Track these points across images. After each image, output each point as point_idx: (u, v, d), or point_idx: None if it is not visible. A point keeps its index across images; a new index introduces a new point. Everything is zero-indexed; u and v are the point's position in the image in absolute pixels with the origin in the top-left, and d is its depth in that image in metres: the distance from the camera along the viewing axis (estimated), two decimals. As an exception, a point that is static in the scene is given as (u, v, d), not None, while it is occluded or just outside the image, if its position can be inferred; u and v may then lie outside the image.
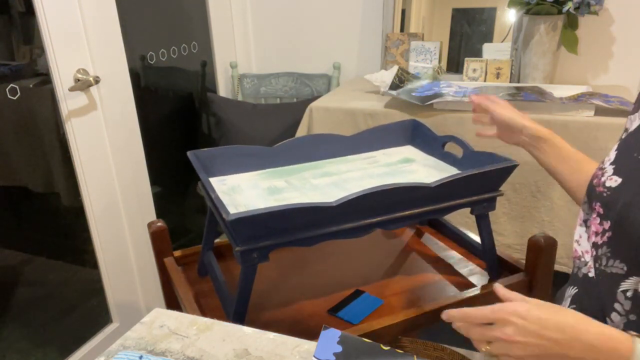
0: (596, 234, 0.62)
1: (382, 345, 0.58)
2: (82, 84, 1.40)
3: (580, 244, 0.67)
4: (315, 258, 1.13)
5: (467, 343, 0.61)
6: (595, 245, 0.62)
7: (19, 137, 1.41)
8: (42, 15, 1.30)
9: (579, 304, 0.66)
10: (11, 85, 1.31)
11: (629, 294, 0.57)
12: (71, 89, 1.39)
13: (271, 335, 0.65)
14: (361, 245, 1.19)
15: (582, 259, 0.66)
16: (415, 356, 0.57)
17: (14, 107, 1.34)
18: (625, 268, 0.57)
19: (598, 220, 0.62)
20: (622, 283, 0.58)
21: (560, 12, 1.59)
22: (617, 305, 0.59)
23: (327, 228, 0.83)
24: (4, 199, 1.44)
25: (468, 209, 0.95)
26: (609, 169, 0.64)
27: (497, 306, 0.56)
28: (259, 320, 0.93)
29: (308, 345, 0.64)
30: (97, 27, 1.44)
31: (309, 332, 0.88)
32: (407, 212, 0.88)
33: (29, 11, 1.31)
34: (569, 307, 0.68)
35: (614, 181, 0.62)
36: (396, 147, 1.16)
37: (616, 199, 0.60)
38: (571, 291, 0.69)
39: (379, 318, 0.89)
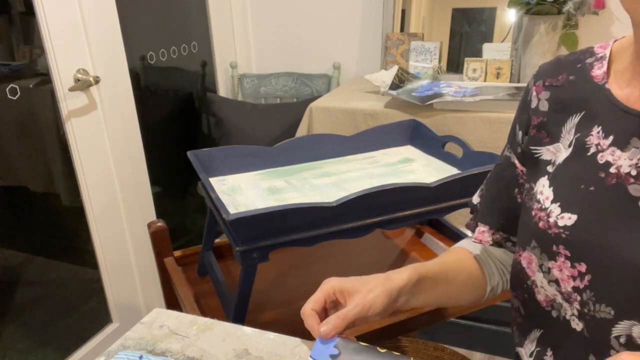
0: (573, 278, 0.57)
1: (378, 348, 0.58)
2: (82, 84, 1.40)
3: (545, 289, 0.62)
4: (315, 258, 1.13)
5: (467, 343, 0.60)
6: (577, 290, 0.57)
7: (19, 137, 1.41)
8: (42, 15, 1.30)
9: (555, 350, 0.62)
10: (11, 85, 1.31)
11: (622, 340, 0.54)
12: (71, 89, 1.39)
13: (271, 335, 0.65)
14: (361, 245, 1.19)
15: (557, 301, 0.61)
16: (412, 358, 0.57)
17: (14, 107, 1.34)
18: (612, 312, 0.54)
19: (568, 263, 0.57)
20: (613, 329, 0.54)
21: (560, 12, 1.59)
22: (612, 352, 0.55)
23: (327, 228, 0.83)
24: (4, 199, 1.44)
25: (468, 209, 0.94)
26: (554, 208, 0.59)
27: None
28: (259, 320, 0.93)
29: (308, 346, 0.64)
30: (97, 27, 1.44)
31: (309, 332, 0.88)
32: (407, 212, 0.88)
33: (29, 11, 1.31)
34: (535, 350, 0.65)
35: (567, 219, 0.57)
36: (396, 147, 1.16)
37: (582, 238, 0.56)
38: (536, 334, 0.65)
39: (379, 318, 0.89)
